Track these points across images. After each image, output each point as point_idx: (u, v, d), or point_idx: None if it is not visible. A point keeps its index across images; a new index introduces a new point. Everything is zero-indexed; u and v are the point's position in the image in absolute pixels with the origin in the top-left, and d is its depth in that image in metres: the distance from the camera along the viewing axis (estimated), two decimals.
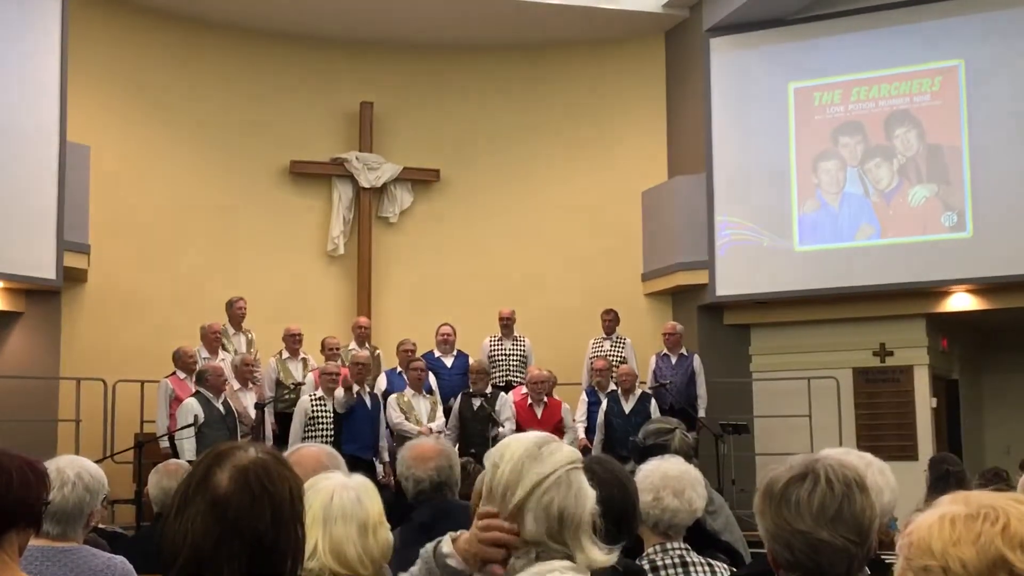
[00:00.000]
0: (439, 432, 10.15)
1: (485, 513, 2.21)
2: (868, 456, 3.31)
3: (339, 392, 9.93)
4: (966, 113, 12.00)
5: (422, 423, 10.29)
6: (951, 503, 1.40)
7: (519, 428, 9.87)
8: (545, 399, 10.85)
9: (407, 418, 10.34)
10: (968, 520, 1.36)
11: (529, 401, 10.82)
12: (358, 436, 9.97)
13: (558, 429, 10.46)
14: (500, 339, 11.97)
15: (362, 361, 10.35)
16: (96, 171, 11.76)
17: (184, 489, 1.94)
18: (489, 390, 10.73)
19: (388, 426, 10.41)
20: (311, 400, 10.15)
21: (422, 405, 10.47)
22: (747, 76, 12.96)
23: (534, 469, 2.19)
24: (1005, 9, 11.92)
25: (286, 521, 1.94)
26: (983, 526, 1.35)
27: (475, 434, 10.21)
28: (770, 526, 2.27)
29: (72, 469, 3.51)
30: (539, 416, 10.67)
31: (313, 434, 9.87)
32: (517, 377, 11.72)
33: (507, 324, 11.97)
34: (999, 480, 6.67)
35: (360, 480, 2.61)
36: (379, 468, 10.00)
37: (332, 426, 9.99)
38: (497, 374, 11.56)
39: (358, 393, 10.08)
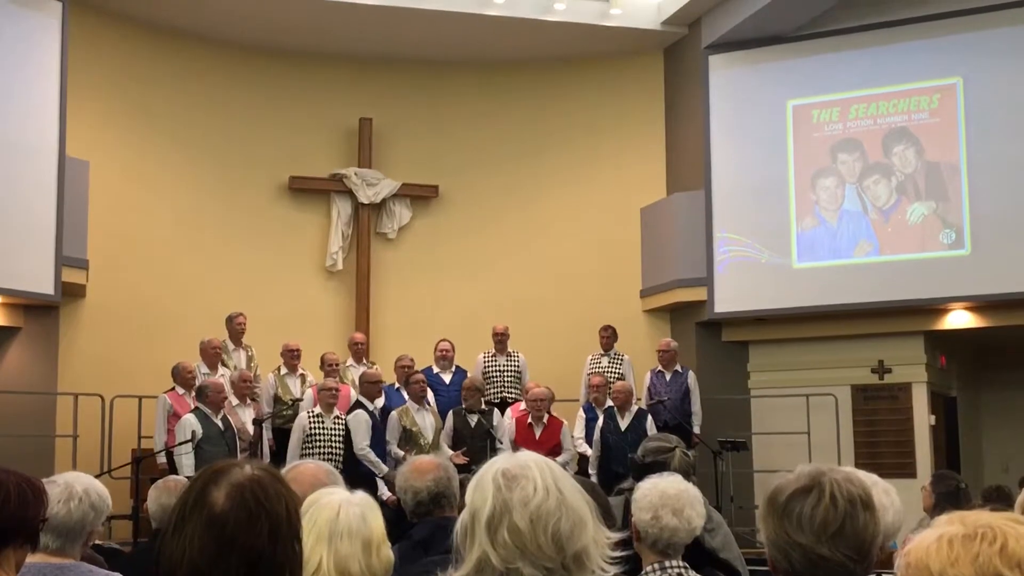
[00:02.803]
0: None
1: None
2: (874, 476, 3.30)
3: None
4: (964, 131, 12.02)
5: (427, 437, 10.19)
6: (948, 523, 1.41)
7: (515, 448, 9.71)
8: (545, 419, 10.64)
9: (411, 432, 10.20)
10: (966, 540, 1.36)
11: (529, 420, 10.66)
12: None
13: (554, 451, 10.35)
14: (494, 355, 11.93)
15: (374, 379, 10.40)
16: (95, 186, 11.76)
17: (181, 507, 1.94)
18: (483, 407, 10.68)
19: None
20: (309, 416, 10.11)
21: (427, 420, 10.37)
22: (746, 93, 12.99)
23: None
24: (1003, 27, 11.94)
25: (283, 538, 1.94)
26: (981, 546, 1.35)
27: (475, 450, 9.99)
28: (771, 534, 2.29)
29: (80, 485, 3.55)
30: (537, 436, 10.51)
31: (311, 451, 9.84)
32: (512, 393, 11.66)
33: (501, 340, 11.90)
34: (1002, 497, 6.59)
35: (363, 497, 2.63)
36: (381, 486, 9.68)
37: (330, 443, 9.96)
38: (491, 391, 11.51)
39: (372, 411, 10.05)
